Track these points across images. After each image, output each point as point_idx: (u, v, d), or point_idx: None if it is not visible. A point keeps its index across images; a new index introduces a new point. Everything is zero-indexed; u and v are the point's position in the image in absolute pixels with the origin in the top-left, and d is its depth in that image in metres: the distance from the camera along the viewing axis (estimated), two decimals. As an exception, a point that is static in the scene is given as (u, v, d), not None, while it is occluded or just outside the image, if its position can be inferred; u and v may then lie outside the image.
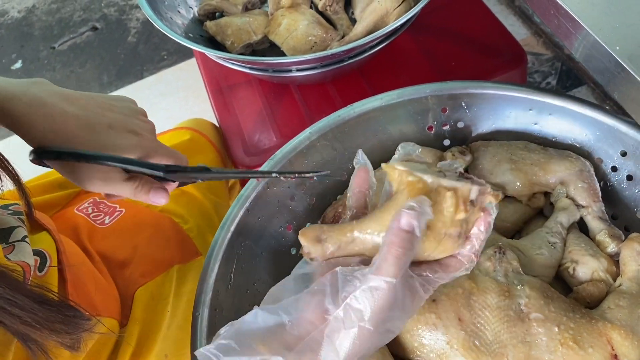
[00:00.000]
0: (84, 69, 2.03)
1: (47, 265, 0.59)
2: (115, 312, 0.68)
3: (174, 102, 1.84)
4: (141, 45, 2.04)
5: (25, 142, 0.54)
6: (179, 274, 0.73)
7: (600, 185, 0.66)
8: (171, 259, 0.73)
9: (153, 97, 1.88)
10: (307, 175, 0.59)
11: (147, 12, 0.84)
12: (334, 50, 0.77)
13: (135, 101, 0.63)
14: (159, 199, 0.57)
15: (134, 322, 0.69)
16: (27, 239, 0.55)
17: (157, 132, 0.97)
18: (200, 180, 0.59)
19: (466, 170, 0.70)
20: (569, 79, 1.61)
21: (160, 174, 0.55)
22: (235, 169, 0.58)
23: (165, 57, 1.99)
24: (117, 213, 0.78)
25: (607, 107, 0.67)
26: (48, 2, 2.25)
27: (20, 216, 0.60)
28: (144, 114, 0.62)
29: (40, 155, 0.53)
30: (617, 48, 0.54)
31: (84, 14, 2.18)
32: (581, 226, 0.65)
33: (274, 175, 0.58)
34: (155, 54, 2.00)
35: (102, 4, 2.19)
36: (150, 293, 0.72)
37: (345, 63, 0.83)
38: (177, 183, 0.61)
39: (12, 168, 0.54)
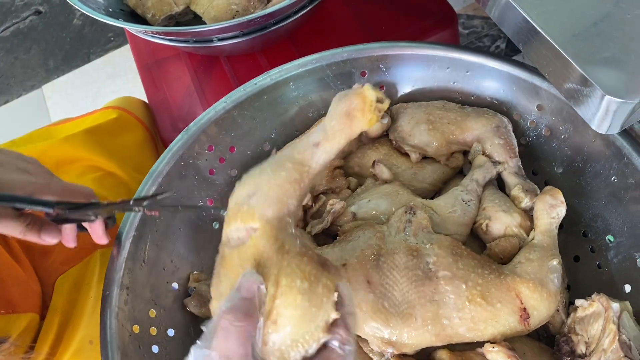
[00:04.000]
0: (28, 55, 1.96)
1: None
2: (35, 305, 0.66)
3: (122, 83, 1.80)
4: (87, 28, 1.98)
5: None
6: (103, 259, 0.71)
7: (520, 142, 0.65)
8: (94, 244, 0.71)
9: (101, 80, 1.83)
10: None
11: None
12: (252, 16, 0.74)
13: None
14: (51, 239, 0.53)
15: (53, 311, 0.66)
16: None
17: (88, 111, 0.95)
18: (93, 218, 0.54)
19: (387, 134, 0.69)
20: (518, 41, 1.60)
21: (50, 210, 0.50)
22: (122, 201, 0.55)
23: (112, 38, 1.93)
24: None
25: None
26: (-12, -14, 2.16)
27: None
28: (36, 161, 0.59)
29: None
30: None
31: (27, -3, 2.10)
32: (500, 184, 0.65)
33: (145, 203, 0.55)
34: (102, 35, 1.94)
35: (45, -14, 2.12)
36: (72, 280, 0.70)
37: (269, 30, 0.81)
38: (73, 225, 0.56)
39: None
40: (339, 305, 0.39)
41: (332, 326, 0.38)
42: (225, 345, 0.33)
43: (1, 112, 1.83)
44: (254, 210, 0.39)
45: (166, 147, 0.90)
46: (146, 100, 0.99)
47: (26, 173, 0.53)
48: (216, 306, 0.39)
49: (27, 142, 0.86)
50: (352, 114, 0.42)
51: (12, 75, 1.93)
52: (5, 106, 1.86)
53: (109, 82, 1.82)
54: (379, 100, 0.42)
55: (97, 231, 0.56)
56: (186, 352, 0.61)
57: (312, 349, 0.37)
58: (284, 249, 0.39)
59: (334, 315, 0.38)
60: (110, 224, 0.57)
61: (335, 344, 0.37)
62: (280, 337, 0.36)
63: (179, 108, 0.90)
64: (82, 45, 1.94)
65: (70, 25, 2.00)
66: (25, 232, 0.52)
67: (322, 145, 0.42)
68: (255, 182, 0.41)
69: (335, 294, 0.39)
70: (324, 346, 0.37)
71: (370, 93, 0.41)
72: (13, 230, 0.52)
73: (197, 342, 0.35)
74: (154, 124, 0.92)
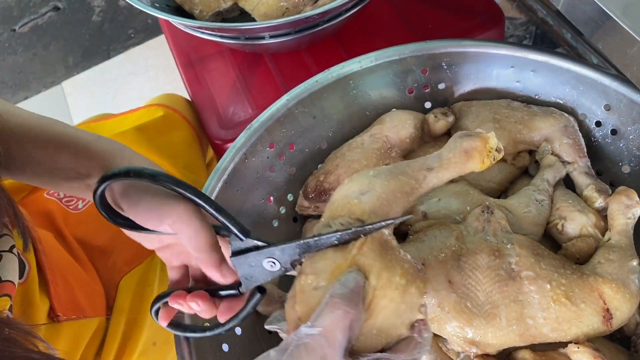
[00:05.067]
0: (47, 51, 1.95)
1: (26, 270, 0.56)
2: (100, 308, 0.65)
3: (143, 81, 1.79)
4: (107, 24, 1.97)
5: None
6: None
7: (584, 141, 0.65)
8: None
9: (122, 77, 1.83)
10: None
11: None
12: (308, 14, 0.73)
13: None
14: (228, 276, 0.45)
15: (119, 312, 0.66)
16: (15, 250, 0.50)
17: (124, 108, 0.94)
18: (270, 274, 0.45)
19: (448, 133, 0.69)
20: (543, 42, 1.60)
21: (243, 237, 0.44)
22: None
23: (133, 35, 1.92)
24: None
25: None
26: (5, -18, 2.15)
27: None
28: None
29: (111, 177, 0.43)
30: (601, -5, 0.52)
31: (44, -7, 2.09)
32: (567, 183, 0.64)
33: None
34: (122, 32, 1.93)
35: (63, -17, 2.11)
36: (135, 281, 0.69)
37: (319, 28, 0.80)
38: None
39: None
40: (423, 308, 0.41)
41: (413, 325, 0.40)
42: (330, 326, 0.35)
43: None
44: (366, 205, 0.41)
45: (212, 145, 0.90)
46: (186, 97, 0.98)
47: None
48: (306, 281, 0.40)
49: (70, 139, 0.85)
50: (471, 153, 0.45)
51: (31, 71, 1.92)
52: (25, 102, 1.85)
53: (130, 79, 1.81)
54: (497, 149, 0.46)
55: (233, 305, 0.47)
56: (252, 350, 0.61)
57: (392, 342, 0.39)
58: (387, 245, 0.41)
59: (419, 316, 0.40)
60: (250, 307, 0.47)
61: (414, 334, 0.39)
62: (369, 325, 0.38)
63: (225, 106, 0.89)
64: (102, 42, 1.93)
65: (89, 22, 1.99)
66: (216, 246, 0.45)
67: (435, 171, 0.45)
68: (369, 182, 0.43)
69: (425, 298, 0.41)
70: (403, 340, 0.40)
71: (493, 140, 0.45)
72: (206, 236, 0.44)
73: (308, 322, 0.36)
74: (199, 122, 0.92)
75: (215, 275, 0.45)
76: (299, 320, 0.38)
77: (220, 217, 0.44)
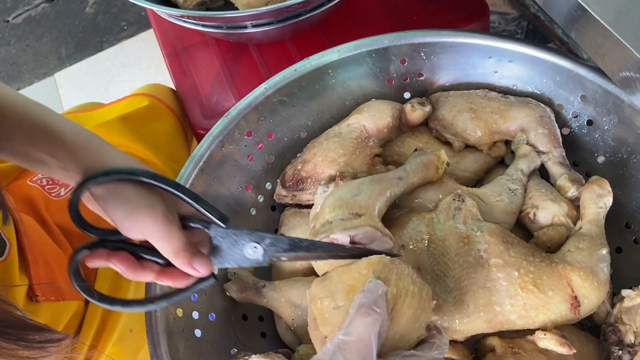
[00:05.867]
0: (40, 42, 1.95)
1: (7, 248, 0.56)
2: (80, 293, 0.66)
3: (135, 72, 1.79)
4: (100, 16, 1.97)
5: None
6: None
7: (561, 132, 0.65)
8: None
9: (114, 69, 1.82)
10: None
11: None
12: (289, 3, 0.73)
13: None
14: (201, 269, 0.46)
15: None
16: None
17: (114, 100, 0.94)
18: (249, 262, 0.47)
19: (426, 123, 0.69)
20: (535, 37, 1.59)
21: (223, 225, 0.46)
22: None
23: (126, 27, 1.92)
24: None
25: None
26: (-1, -27, 2.15)
27: None
28: None
29: (88, 181, 0.44)
30: (574, -15, 0.52)
31: (38, -16, 2.09)
32: (542, 174, 0.64)
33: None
34: (115, 24, 1.93)
35: (57, -26, 2.10)
36: None
37: (302, 17, 0.80)
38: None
39: None
40: (435, 311, 0.46)
41: (429, 327, 0.44)
42: (363, 331, 0.38)
43: (13, 100, 1.82)
44: (361, 202, 0.50)
45: (196, 135, 0.91)
46: (172, 87, 0.98)
47: None
48: (323, 304, 0.43)
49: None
50: (428, 166, 0.59)
51: (24, 62, 1.92)
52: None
53: (122, 71, 1.81)
54: (447, 164, 0.60)
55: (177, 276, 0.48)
56: (225, 336, 0.61)
57: (413, 343, 0.43)
58: (395, 263, 0.45)
59: (434, 317, 0.44)
60: (195, 289, 0.49)
61: (433, 338, 0.43)
62: (393, 331, 0.41)
63: (209, 95, 0.90)
64: (95, 33, 1.93)
65: (83, 14, 1.99)
66: (182, 249, 0.45)
67: (403, 180, 0.57)
68: (357, 188, 0.53)
69: (434, 302, 0.45)
70: (422, 341, 0.43)
71: (444, 156, 0.60)
72: (171, 242, 0.45)
73: (340, 332, 0.39)
74: (183, 112, 0.92)
75: (190, 272, 0.46)
76: (326, 340, 0.42)
77: (199, 207, 0.45)
